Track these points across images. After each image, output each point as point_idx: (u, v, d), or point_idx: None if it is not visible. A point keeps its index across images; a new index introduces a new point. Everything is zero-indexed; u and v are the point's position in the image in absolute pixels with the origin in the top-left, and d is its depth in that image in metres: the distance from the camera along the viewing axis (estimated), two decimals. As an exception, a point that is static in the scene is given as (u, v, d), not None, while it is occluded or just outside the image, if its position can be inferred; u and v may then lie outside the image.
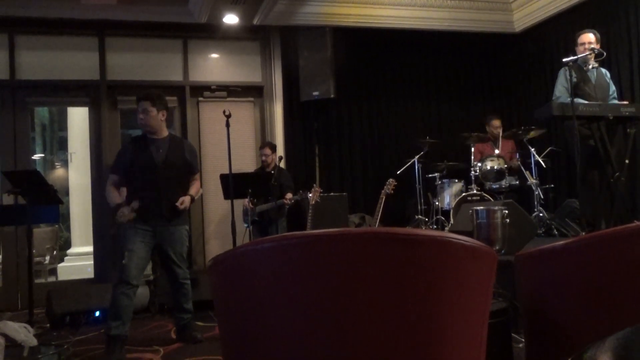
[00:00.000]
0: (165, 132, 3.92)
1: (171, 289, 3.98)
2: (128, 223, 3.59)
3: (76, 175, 8.17)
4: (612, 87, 4.85)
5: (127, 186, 3.87)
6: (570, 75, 4.25)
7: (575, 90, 4.42)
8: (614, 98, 4.82)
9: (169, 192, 3.77)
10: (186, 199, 3.82)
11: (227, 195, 4.62)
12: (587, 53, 4.54)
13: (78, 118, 8.09)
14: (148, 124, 3.80)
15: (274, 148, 5.94)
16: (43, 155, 10.62)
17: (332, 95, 6.48)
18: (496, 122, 6.46)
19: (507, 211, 2.87)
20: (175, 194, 3.79)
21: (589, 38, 4.69)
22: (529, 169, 5.69)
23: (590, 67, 4.74)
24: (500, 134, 6.39)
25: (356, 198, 6.80)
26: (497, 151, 6.20)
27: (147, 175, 3.74)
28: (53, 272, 7.81)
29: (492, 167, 5.78)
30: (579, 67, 4.68)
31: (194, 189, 3.96)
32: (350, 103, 7.00)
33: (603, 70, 4.87)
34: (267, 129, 6.67)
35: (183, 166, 3.90)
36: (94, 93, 6.21)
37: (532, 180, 5.56)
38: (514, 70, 7.49)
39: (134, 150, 3.83)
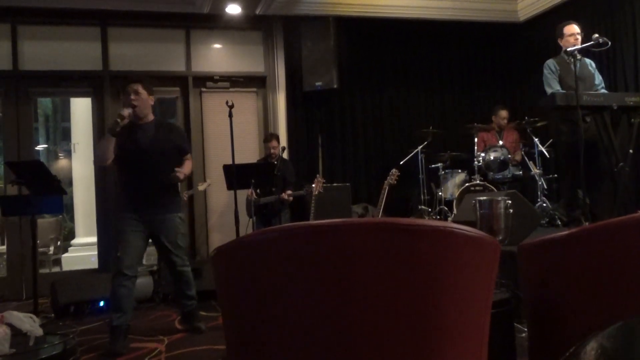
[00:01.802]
0: (151, 117, 3.86)
1: (172, 277, 4.00)
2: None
3: (80, 166, 8.18)
4: (599, 77, 4.77)
5: (117, 174, 3.86)
6: (575, 66, 4.21)
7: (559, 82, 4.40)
8: (603, 88, 4.76)
9: (156, 177, 3.71)
10: (185, 167, 3.78)
11: (230, 186, 4.62)
12: (592, 42, 4.48)
13: (81, 108, 8.09)
14: (140, 105, 3.72)
15: (279, 139, 5.96)
16: (46, 145, 10.65)
17: (335, 86, 6.45)
18: (503, 113, 6.43)
19: (510, 201, 2.86)
20: (164, 178, 3.72)
21: (576, 29, 4.65)
22: (532, 159, 5.68)
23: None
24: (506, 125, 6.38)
25: (359, 188, 6.79)
26: (500, 142, 6.18)
27: (134, 160, 3.70)
28: (57, 262, 7.83)
29: (495, 158, 5.76)
30: (562, 58, 4.64)
31: (185, 168, 3.86)
32: (353, 93, 6.98)
33: (587, 60, 4.79)
34: (270, 120, 6.66)
35: (171, 149, 3.82)
36: (96, 83, 6.21)
37: (535, 171, 5.55)
38: (517, 59, 7.44)
39: (121, 137, 3.69)
